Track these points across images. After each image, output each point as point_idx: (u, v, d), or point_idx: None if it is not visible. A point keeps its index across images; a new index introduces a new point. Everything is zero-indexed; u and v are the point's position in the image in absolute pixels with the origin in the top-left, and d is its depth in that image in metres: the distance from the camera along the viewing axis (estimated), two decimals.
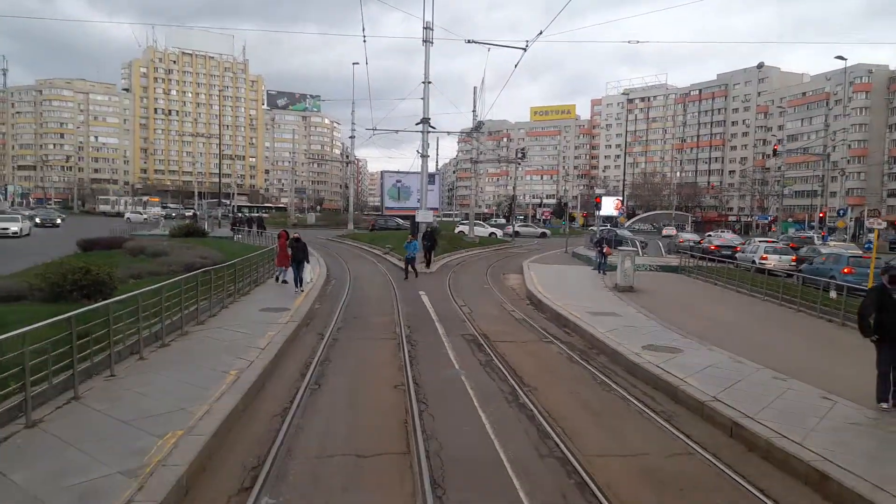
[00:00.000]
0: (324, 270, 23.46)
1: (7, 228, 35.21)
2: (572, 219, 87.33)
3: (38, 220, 48.88)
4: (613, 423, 7.98)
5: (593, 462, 6.57)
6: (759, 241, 35.99)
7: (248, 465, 6.23)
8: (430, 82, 28.84)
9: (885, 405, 8.12)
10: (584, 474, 6.22)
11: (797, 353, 12.01)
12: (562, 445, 7.00)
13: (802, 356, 11.64)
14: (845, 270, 21.23)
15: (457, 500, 5.62)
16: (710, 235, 51.46)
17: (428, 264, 26.32)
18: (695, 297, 19.95)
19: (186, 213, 68.33)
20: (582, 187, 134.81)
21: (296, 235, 18.90)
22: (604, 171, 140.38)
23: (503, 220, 77.68)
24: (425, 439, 7.03)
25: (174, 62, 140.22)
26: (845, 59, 50.90)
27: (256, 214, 55.42)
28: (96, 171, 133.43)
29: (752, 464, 6.68)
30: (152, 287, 10.73)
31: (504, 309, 17.34)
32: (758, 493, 5.93)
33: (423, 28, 28.20)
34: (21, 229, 36.08)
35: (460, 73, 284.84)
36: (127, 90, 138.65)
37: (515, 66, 34.01)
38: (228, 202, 79.68)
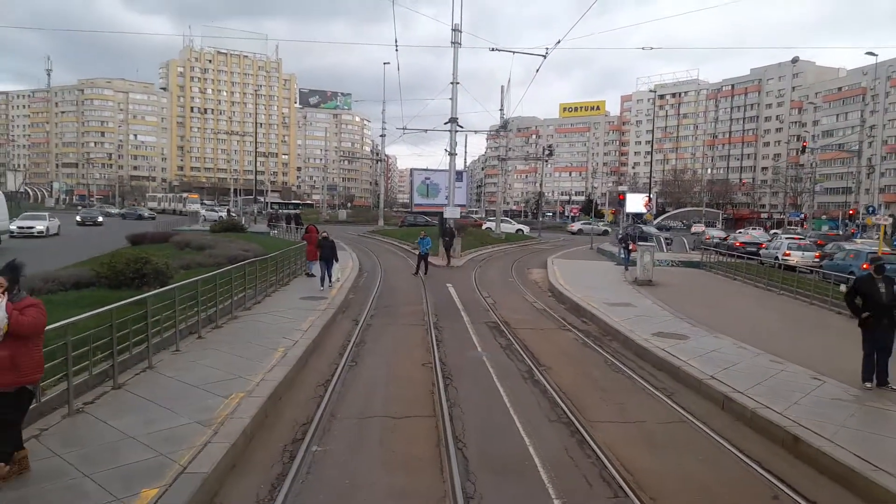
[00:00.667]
0: (356, 264, 24.65)
1: (32, 228, 33.86)
2: (601, 216, 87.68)
3: (78, 219, 49.41)
4: (618, 397, 8.90)
5: (595, 426, 7.52)
6: (785, 238, 36.24)
7: (299, 422, 7.34)
8: (458, 83, 29.83)
9: (868, 384, 8.88)
10: (585, 435, 7.19)
11: (800, 340, 12.71)
12: (569, 413, 7.96)
13: (804, 343, 12.34)
14: (865, 266, 21.64)
15: (476, 451, 6.63)
16: (740, 232, 51.63)
17: (448, 261, 26.89)
18: (712, 291, 20.59)
19: (220, 209, 70.11)
20: (611, 184, 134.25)
21: (324, 234, 18.65)
22: (633, 167, 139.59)
23: (499, 218, 77.52)
24: (449, 406, 8.06)
25: (210, 61, 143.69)
26: (876, 55, 50.32)
27: (294, 211, 56.76)
28: (135, 168, 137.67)
29: (737, 430, 7.55)
30: (206, 275, 11.97)
31: (526, 300, 18.27)
32: (736, 452, 6.83)
33: (452, 30, 29.20)
34: (47, 228, 34.89)
35: (490, 69, 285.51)
36: (164, 89, 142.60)
37: (537, 70, 35.28)
38: (262, 199, 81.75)
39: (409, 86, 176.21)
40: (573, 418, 7.76)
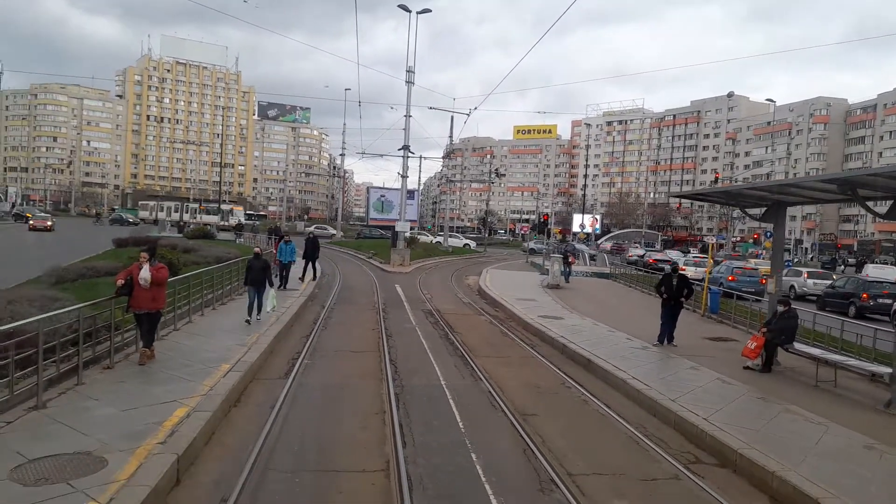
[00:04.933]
0: (319, 269, 28.93)
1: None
2: (549, 234, 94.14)
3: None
4: (500, 348, 13.71)
5: (478, 358, 12.26)
6: (692, 257, 42.43)
7: (295, 352, 11.87)
8: (410, 116, 34.73)
9: (656, 343, 13.89)
10: (470, 360, 11.94)
11: (640, 320, 17.43)
12: (464, 353, 12.70)
13: (641, 322, 17.02)
14: (730, 278, 27.43)
15: (402, 365, 11.27)
16: (682, 252, 58.13)
17: (304, 277, 22.37)
18: (603, 293, 25.75)
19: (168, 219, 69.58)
20: (560, 205, 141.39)
21: (256, 250, 15.01)
22: (582, 189, 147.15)
23: (452, 234, 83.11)
24: (388, 348, 12.70)
25: (168, 71, 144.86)
26: (774, 101, 57.63)
27: (275, 226, 58.82)
28: (87, 174, 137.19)
29: (562, 360, 12.45)
30: (214, 267, 16.29)
31: (457, 296, 23.06)
32: (555, 369, 11.70)
33: (406, 71, 34.07)
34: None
35: (449, 83, 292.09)
36: (121, 97, 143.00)
37: (465, 122, 40.33)
38: (223, 209, 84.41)
39: (369, 97, 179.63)
40: (466, 354, 12.50)
